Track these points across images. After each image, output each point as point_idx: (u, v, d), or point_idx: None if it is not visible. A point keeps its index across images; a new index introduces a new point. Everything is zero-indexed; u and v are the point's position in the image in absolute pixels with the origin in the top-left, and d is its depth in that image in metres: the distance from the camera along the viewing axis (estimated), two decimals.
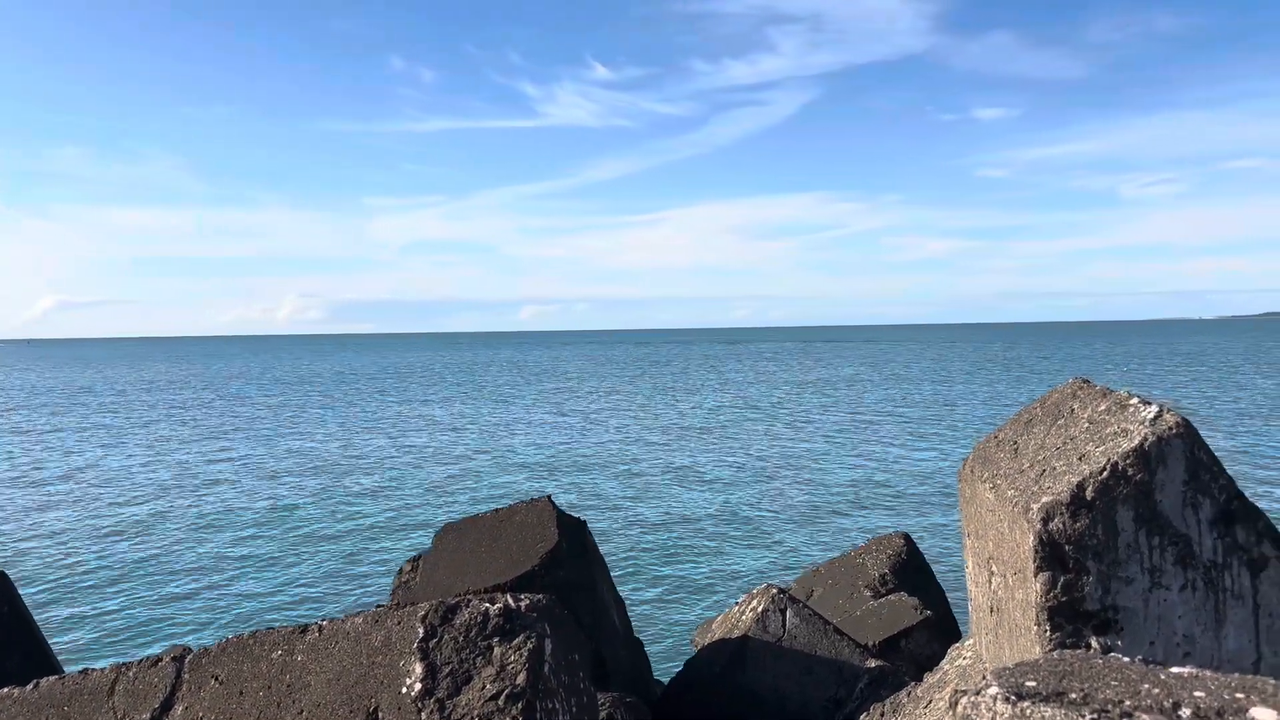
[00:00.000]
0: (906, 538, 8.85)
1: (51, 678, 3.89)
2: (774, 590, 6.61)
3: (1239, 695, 1.74)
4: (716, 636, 6.78)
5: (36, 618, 6.53)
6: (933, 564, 9.04)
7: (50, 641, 6.65)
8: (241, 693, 3.48)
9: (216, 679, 3.56)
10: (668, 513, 23.46)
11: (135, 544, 20.78)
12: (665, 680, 7.47)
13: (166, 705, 3.56)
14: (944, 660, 4.73)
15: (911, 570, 8.49)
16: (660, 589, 16.62)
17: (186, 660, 3.69)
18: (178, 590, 17.12)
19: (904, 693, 4.78)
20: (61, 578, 18.00)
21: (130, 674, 3.74)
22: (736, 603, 7.03)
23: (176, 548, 20.39)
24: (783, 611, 6.40)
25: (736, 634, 6.43)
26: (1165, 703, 1.71)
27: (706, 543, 20.11)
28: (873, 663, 6.03)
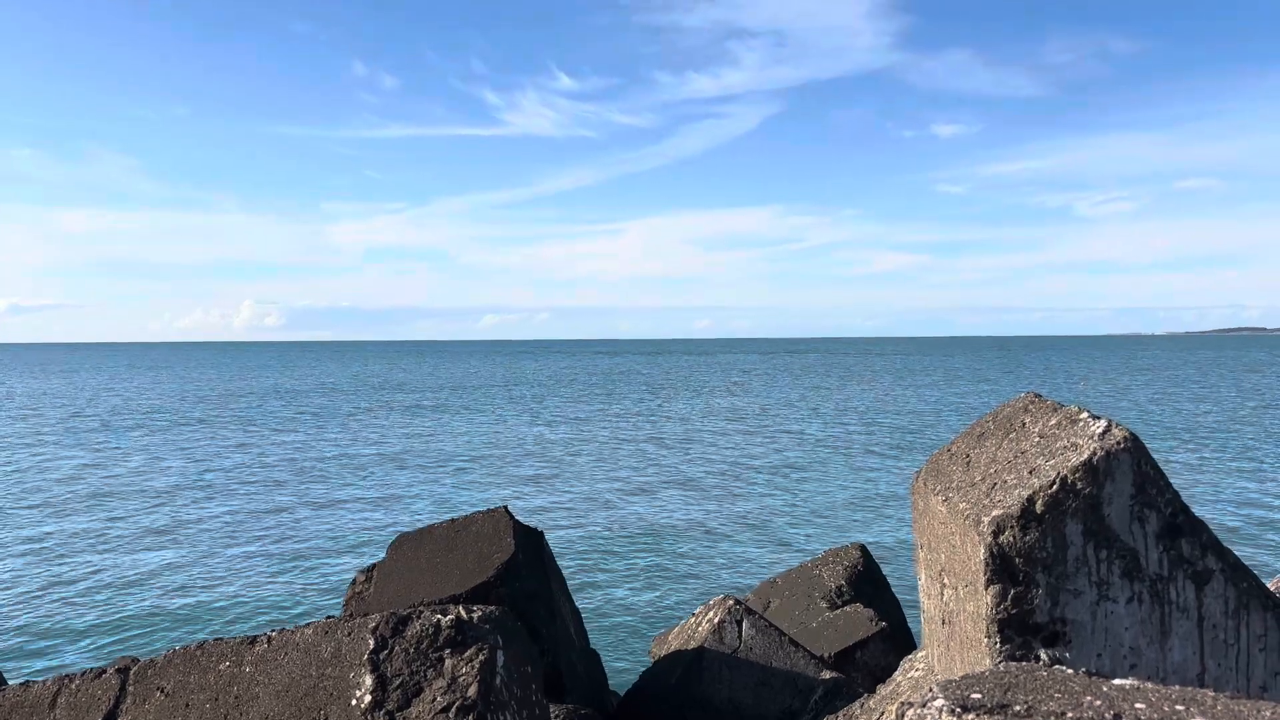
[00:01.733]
0: (863, 549, 8.91)
1: None
2: (731, 601, 6.62)
3: (1179, 707, 1.77)
4: (673, 648, 6.78)
5: None
6: (888, 576, 9.11)
7: None
8: (188, 705, 3.42)
9: (162, 691, 3.50)
10: (625, 523, 23.44)
11: (80, 553, 20.37)
12: (622, 692, 7.45)
13: (110, 718, 3.49)
14: (897, 672, 4.76)
15: (867, 582, 8.55)
16: (617, 600, 16.59)
17: (131, 672, 3.62)
18: (124, 601, 16.80)
19: (857, 704, 4.80)
20: (2, 588, 17.60)
21: (73, 686, 3.66)
22: (693, 614, 7.03)
23: (123, 557, 20.01)
24: (739, 623, 6.41)
25: (693, 645, 6.43)
26: (1106, 714, 1.73)
27: (664, 554, 20.11)
28: (827, 674, 6.06)
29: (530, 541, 6.34)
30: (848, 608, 7.92)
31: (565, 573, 7.62)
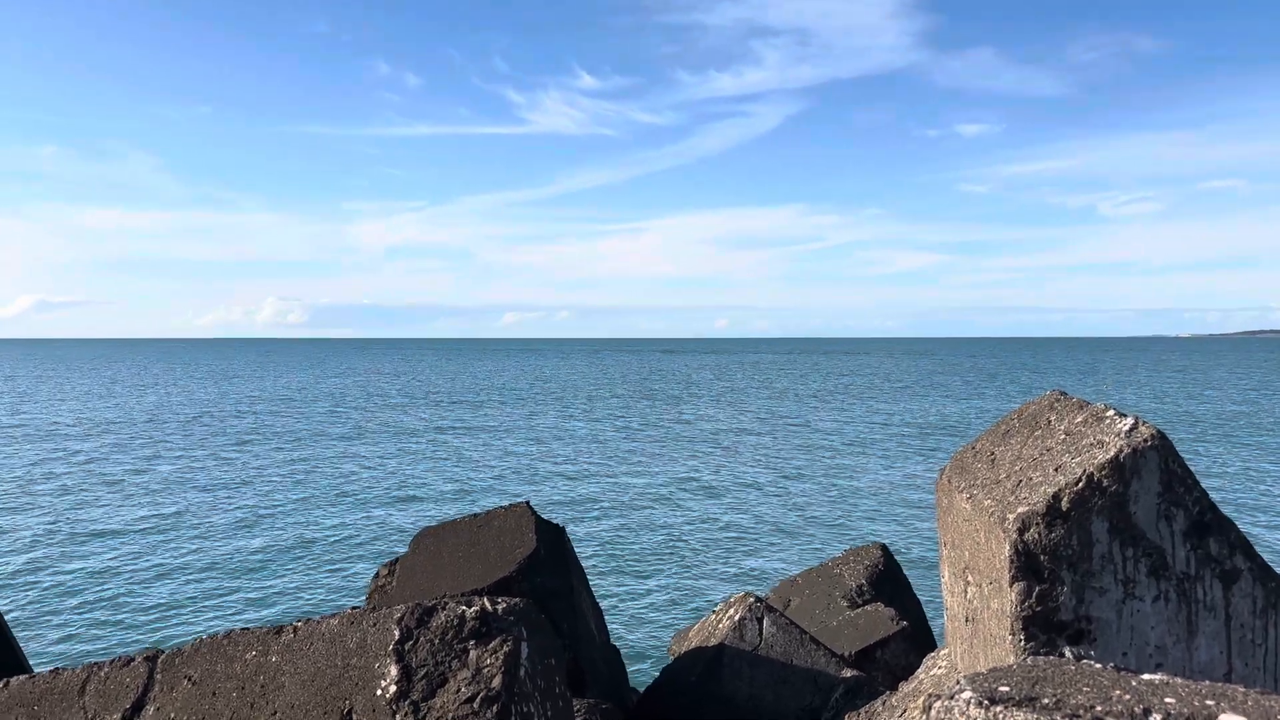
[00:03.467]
0: (884, 548, 8.87)
1: (21, 677, 3.84)
2: (751, 599, 6.61)
3: (1209, 702, 1.76)
4: (693, 644, 6.78)
5: (6, 617, 6.46)
6: (910, 575, 9.07)
7: (20, 641, 6.57)
8: (215, 693, 3.45)
9: (190, 679, 3.53)
10: (646, 520, 23.45)
11: (109, 544, 20.58)
12: (642, 688, 7.46)
13: (138, 705, 3.53)
14: (919, 670, 4.75)
15: (888, 581, 8.52)
16: (638, 596, 16.60)
17: (159, 660, 3.66)
18: (152, 591, 16.97)
19: (879, 702, 4.79)
20: (33, 578, 17.80)
21: (102, 674, 3.70)
22: (714, 611, 7.02)
23: (152, 548, 20.21)
24: (760, 620, 6.40)
25: (713, 642, 6.42)
26: (1136, 708, 1.72)
27: (685, 550, 20.11)
28: (848, 672, 6.04)
29: (552, 537, 6.35)
30: (868, 606, 7.89)
31: (587, 568, 7.64)
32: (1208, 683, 1.92)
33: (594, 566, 17.84)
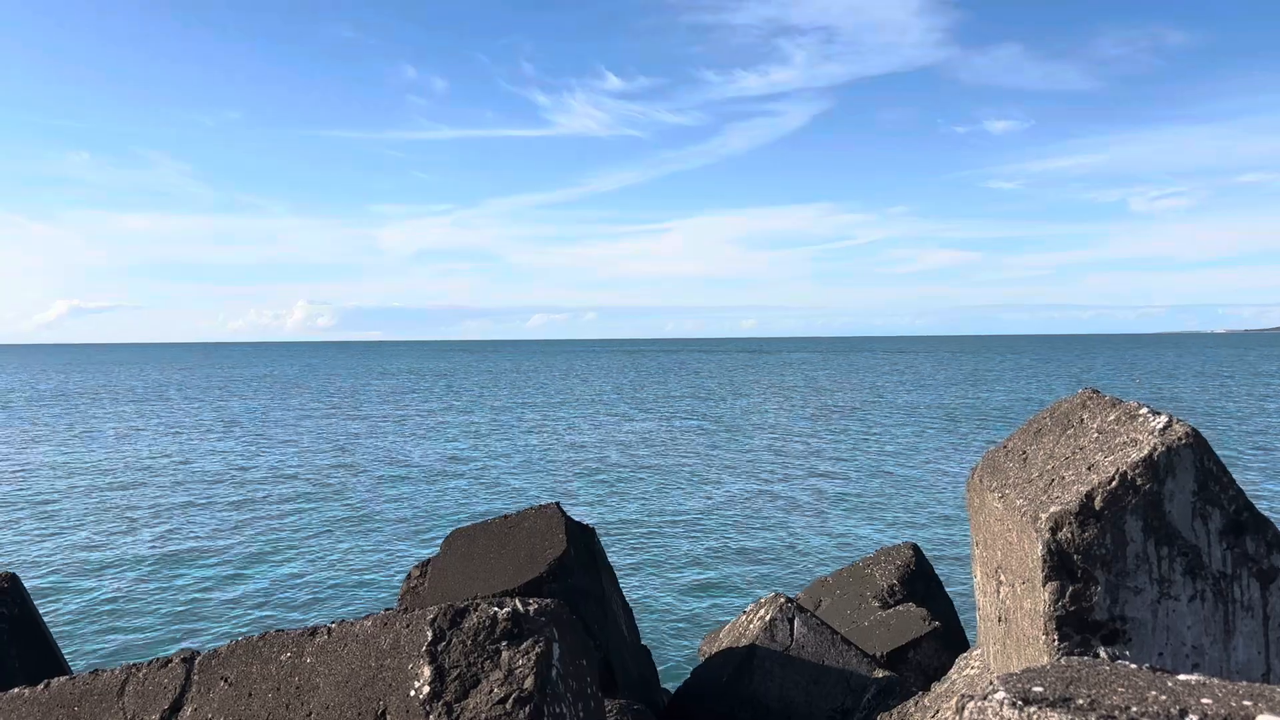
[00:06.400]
0: (915, 548, 8.83)
1: (62, 678, 3.91)
2: (782, 599, 6.60)
3: (1246, 702, 1.74)
4: (724, 645, 6.77)
5: (46, 619, 6.56)
6: (941, 575, 9.01)
7: (60, 643, 6.67)
8: (250, 694, 3.49)
9: (226, 680, 3.58)
10: (676, 520, 23.44)
11: (145, 546, 20.84)
12: (672, 689, 7.46)
13: (176, 706, 3.58)
14: (952, 670, 4.72)
15: (920, 581, 8.47)
16: (668, 597, 16.60)
17: (196, 661, 3.71)
18: (188, 592, 17.17)
19: (911, 702, 4.77)
20: (72, 580, 18.06)
21: (140, 675, 3.75)
22: (744, 611, 7.02)
23: (187, 550, 20.44)
24: (791, 621, 6.39)
25: (744, 643, 6.42)
26: (1172, 709, 1.71)
27: (715, 551, 20.08)
28: (880, 673, 6.02)
29: (582, 538, 6.37)
30: (900, 607, 7.85)
31: (616, 569, 7.65)
32: (1245, 683, 1.90)
33: (624, 567, 17.86)
